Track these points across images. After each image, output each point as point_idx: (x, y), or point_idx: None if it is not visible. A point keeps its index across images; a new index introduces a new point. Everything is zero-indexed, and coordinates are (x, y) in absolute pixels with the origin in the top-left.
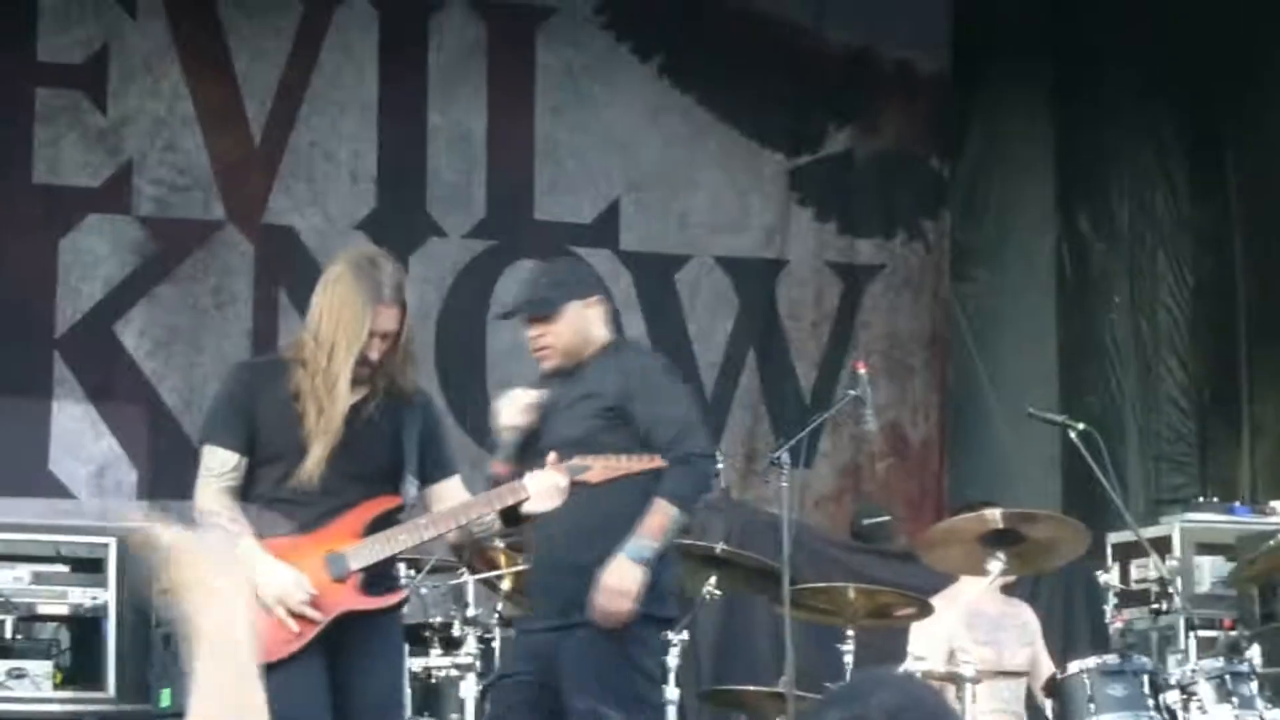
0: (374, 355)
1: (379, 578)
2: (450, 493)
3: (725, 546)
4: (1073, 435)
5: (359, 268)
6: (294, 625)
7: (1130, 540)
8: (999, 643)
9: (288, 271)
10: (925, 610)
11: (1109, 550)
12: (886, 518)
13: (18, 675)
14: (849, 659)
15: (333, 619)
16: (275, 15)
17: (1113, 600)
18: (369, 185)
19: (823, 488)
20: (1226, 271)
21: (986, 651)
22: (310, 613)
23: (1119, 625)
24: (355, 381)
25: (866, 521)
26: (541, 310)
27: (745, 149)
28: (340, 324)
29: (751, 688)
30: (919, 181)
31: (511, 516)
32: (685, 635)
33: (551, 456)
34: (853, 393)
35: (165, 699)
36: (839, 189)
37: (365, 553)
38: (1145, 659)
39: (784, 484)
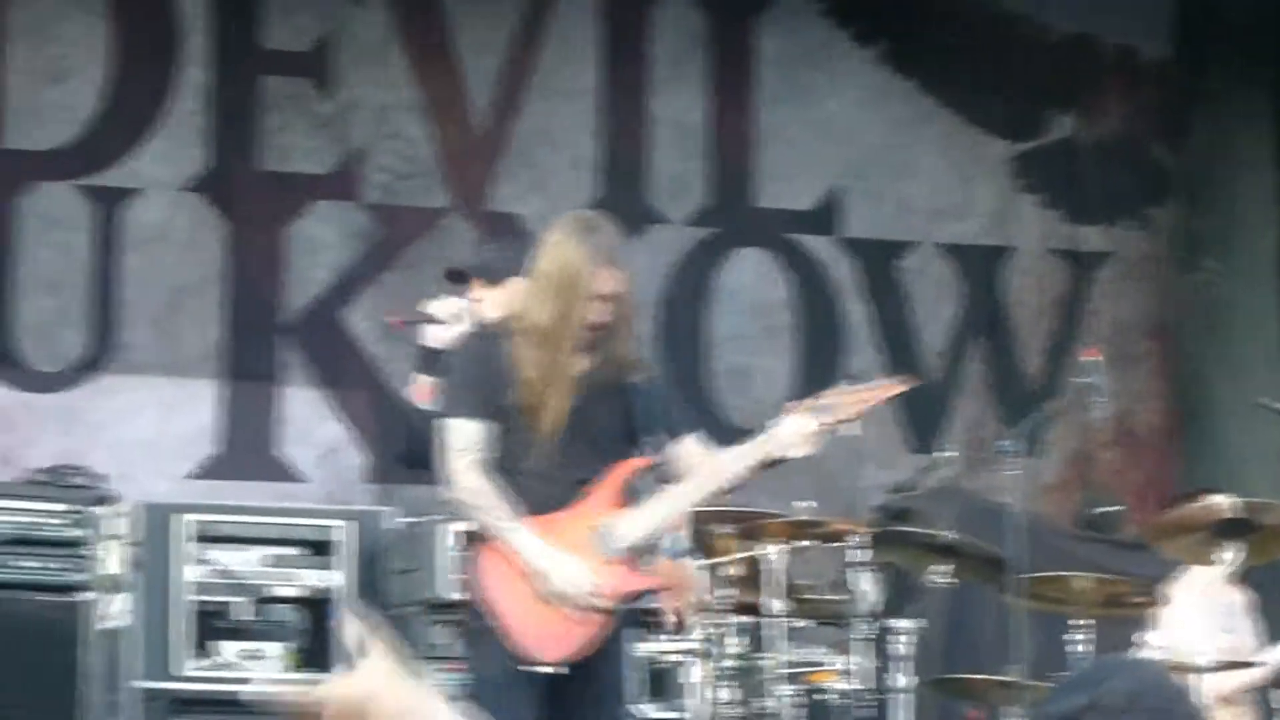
0: (597, 318)
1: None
2: (690, 451)
3: (954, 535)
4: None
5: (578, 231)
6: (577, 622)
7: None
8: (1236, 631)
9: None
10: (1156, 599)
11: None
12: (1116, 507)
13: (253, 656)
14: (1078, 648)
15: (618, 604)
16: (498, 3)
17: None
18: (590, 172)
19: (1050, 476)
20: None
21: (1223, 641)
22: (598, 604)
23: None
24: (581, 348)
25: (1096, 511)
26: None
27: (967, 135)
28: (562, 287)
29: (980, 676)
30: (1143, 169)
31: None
32: (915, 624)
33: (790, 404)
34: (1086, 380)
35: None
36: (1062, 176)
37: (633, 528)
38: None
39: (1013, 472)
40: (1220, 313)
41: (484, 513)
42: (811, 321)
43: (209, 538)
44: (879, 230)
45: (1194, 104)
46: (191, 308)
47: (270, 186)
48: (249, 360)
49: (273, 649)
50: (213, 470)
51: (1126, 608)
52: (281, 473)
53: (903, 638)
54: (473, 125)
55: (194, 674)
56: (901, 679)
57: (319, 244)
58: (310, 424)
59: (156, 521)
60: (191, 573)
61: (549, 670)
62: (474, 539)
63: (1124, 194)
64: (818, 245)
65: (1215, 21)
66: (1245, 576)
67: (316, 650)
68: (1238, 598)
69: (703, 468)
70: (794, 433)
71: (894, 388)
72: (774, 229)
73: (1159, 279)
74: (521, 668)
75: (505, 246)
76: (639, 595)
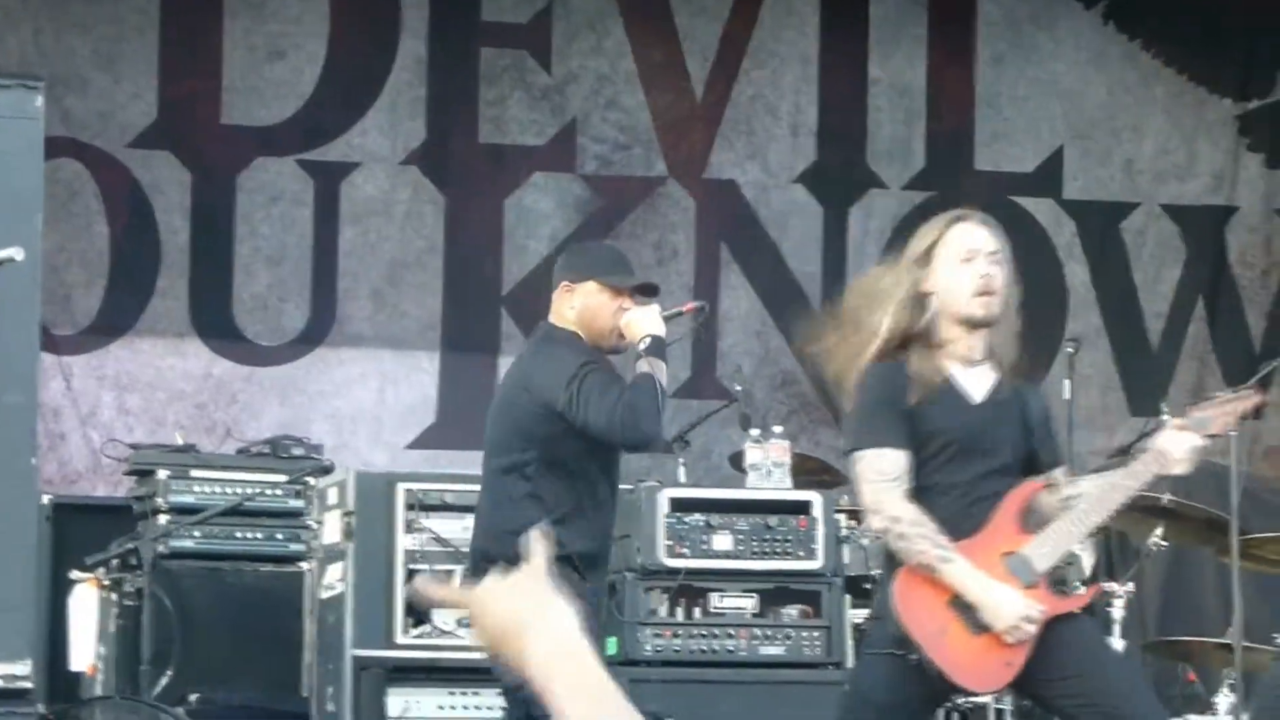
0: (978, 313)
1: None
2: (1059, 481)
3: (1172, 497)
4: None
5: (947, 224)
6: (1008, 651)
7: None
8: None
9: (729, 226)
10: None
11: None
12: None
13: (468, 624)
14: None
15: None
16: None
17: None
18: (809, 138)
19: (1272, 438)
20: None
21: None
22: (1034, 632)
23: None
24: (970, 359)
25: None
26: None
27: (1192, 94)
28: (942, 287)
29: (1198, 639)
30: None
31: None
32: (1131, 586)
33: (1176, 421)
34: None
35: (611, 647)
36: None
37: (1046, 552)
38: None
39: (1233, 434)
40: None
41: (918, 542)
42: (1034, 285)
43: (426, 506)
44: (1101, 192)
45: None
46: (411, 280)
47: (488, 158)
48: (467, 332)
49: None
50: (432, 441)
51: None
52: None
53: (1118, 601)
54: (691, 93)
55: (412, 642)
56: (1117, 642)
57: (537, 215)
58: None
59: (374, 491)
60: (409, 541)
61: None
62: (892, 564)
63: None
64: (1039, 207)
65: None
66: None
67: None
68: None
69: (1096, 489)
70: (1181, 449)
71: (1251, 399)
72: (994, 191)
73: None
74: (947, 695)
75: None
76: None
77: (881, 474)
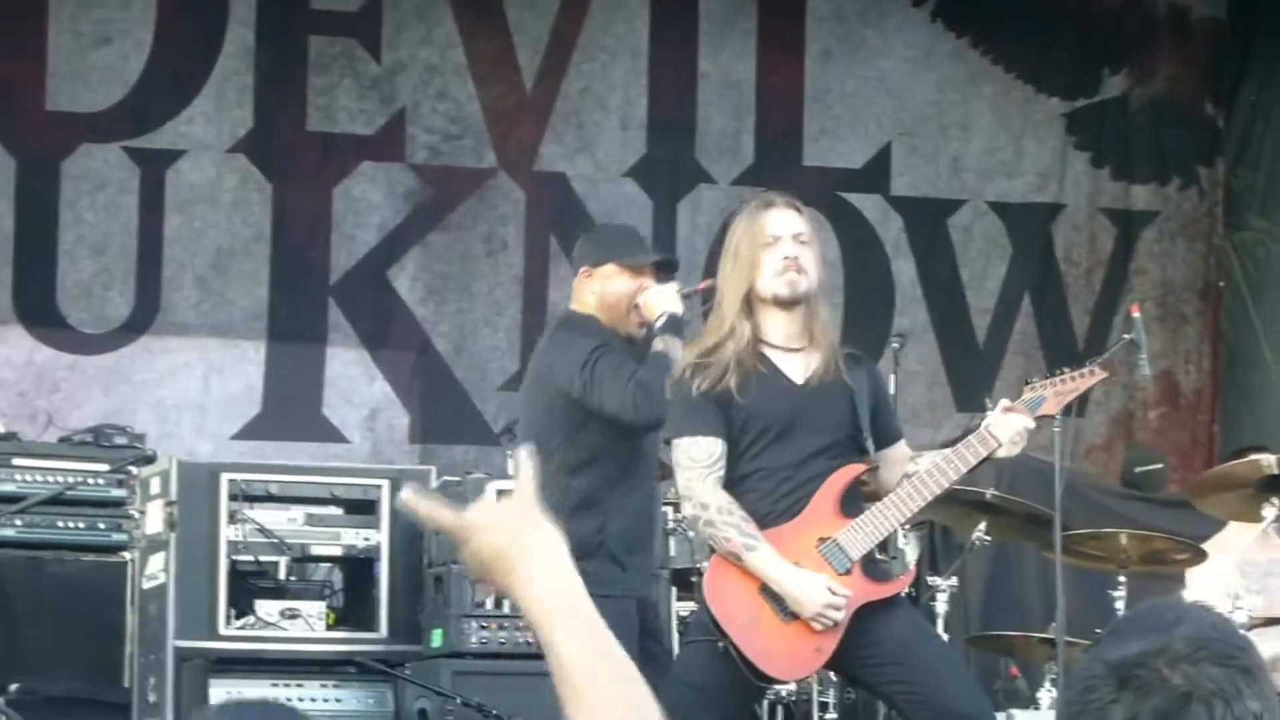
0: (784, 291)
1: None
2: (899, 456)
3: (996, 492)
4: None
5: (747, 210)
6: (817, 638)
7: None
8: (1269, 590)
9: (558, 218)
10: (1198, 557)
11: None
12: (1159, 465)
13: (292, 615)
14: (1120, 605)
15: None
16: None
17: None
18: (639, 132)
19: (1094, 436)
20: None
21: (1256, 599)
22: (839, 618)
23: None
24: (789, 345)
25: (1138, 469)
26: None
27: (1020, 93)
28: (734, 269)
29: (1020, 634)
30: (1193, 128)
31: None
32: (954, 581)
33: (1004, 402)
34: (1128, 337)
35: (436, 639)
36: (1114, 134)
37: (861, 538)
38: None
39: (1056, 429)
40: (1268, 272)
41: (724, 529)
42: (861, 280)
43: (250, 497)
44: (929, 188)
45: (1245, 63)
46: (237, 269)
47: (317, 147)
48: (294, 321)
49: (312, 608)
50: (257, 431)
51: (1167, 565)
52: (326, 433)
53: (941, 595)
54: (521, 85)
55: (234, 633)
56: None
57: (365, 205)
58: (355, 385)
59: (197, 481)
60: (232, 532)
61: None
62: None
63: (1174, 153)
64: (867, 204)
65: None
66: None
67: (356, 610)
68: (1277, 556)
69: (919, 472)
70: (1013, 432)
71: (1094, 377)
72: (822, 187)
73: (1207, 238)
74: (759, 684)
75: None
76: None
77: (694, 461)
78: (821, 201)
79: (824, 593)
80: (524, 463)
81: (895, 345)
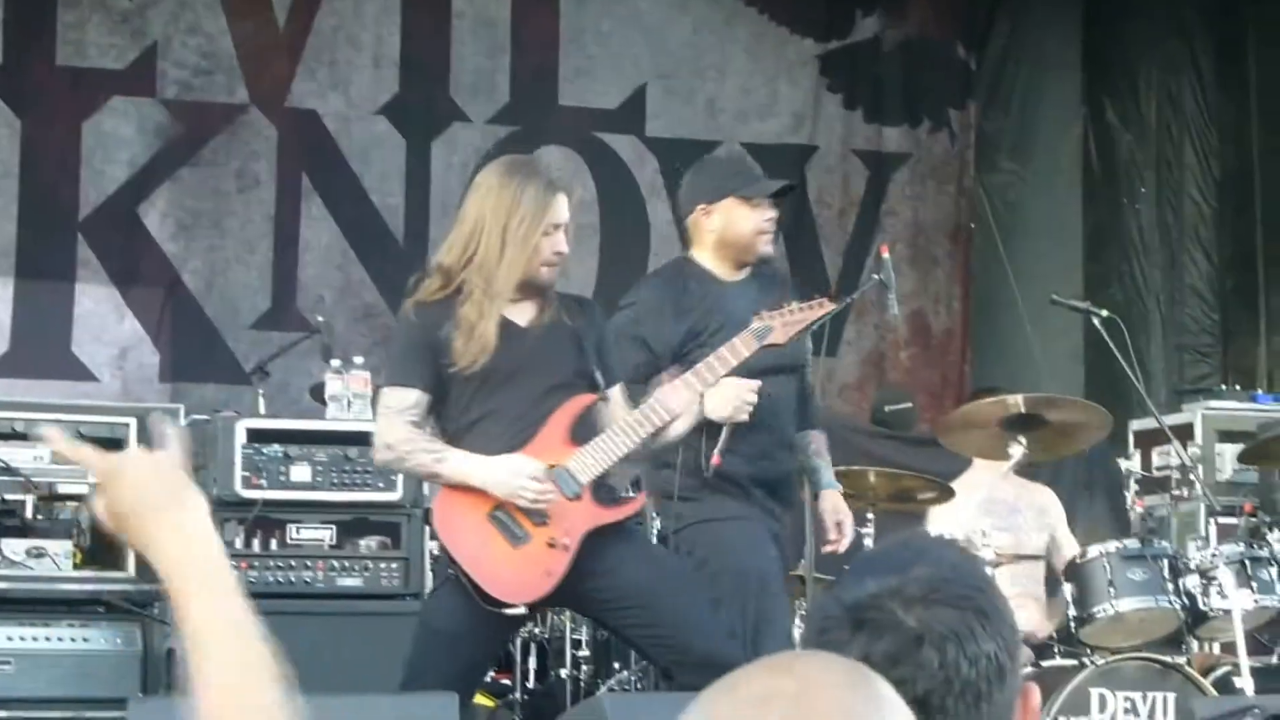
0: (546, 280)
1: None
2: (617, 399)
3: None
4: (1096, 323)
5: (537, 184)
6: (548, 560)
7: (1152, 428)
8: (1015, 527)
9: (310, 155)
10: (945, 494)
11: (1130, 438)
12: (908, 404)
13: (37, 554)
14: (869, 542)
15: (580, 541)
16: None
17: (1134, 486)
18: (392, 70)
19: (846, 376)
20: (1247, 164)
21: (1003, 536)
22: (550, 498)
23: (1140, 510)
24: (532, 288)
25: (889, 408)
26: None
27: (774, 35)
28: (514, 252)
29: None
30: (945, 70)
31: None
32: None
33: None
34: (877, 276)
35: None
36: (866, 76)
37: (590, 463)
38: (1165, 544)
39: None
40: (1019, 214)
41: (413, 455)
42: (617, 221)
43: None
44: (684, 129)
45: (996, 6)
46: None
47: (66, 82)
48: (44, 258)
49: (59, 547)
50: (5, 368)
51: (915, 503)
52: (75, 371)
53: None
54: (273, 22)
55: None
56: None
57: (116, 140)
58: (105, 322)
59: None
60: None
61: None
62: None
63: (926, 95)
64: (622, 144)
65: None
66: (1048, 474)
67: (103, 549)
68: (1023, 493)
69: (650, 400)
70: (725, 398)
71: (822, 308)
72: (578, 127)
73: (958, 180)
74: (490, 610)
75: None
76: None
77: (388, 408)
78: (577, 142)
79: (516, 467)
80: (174, 434)
81: None
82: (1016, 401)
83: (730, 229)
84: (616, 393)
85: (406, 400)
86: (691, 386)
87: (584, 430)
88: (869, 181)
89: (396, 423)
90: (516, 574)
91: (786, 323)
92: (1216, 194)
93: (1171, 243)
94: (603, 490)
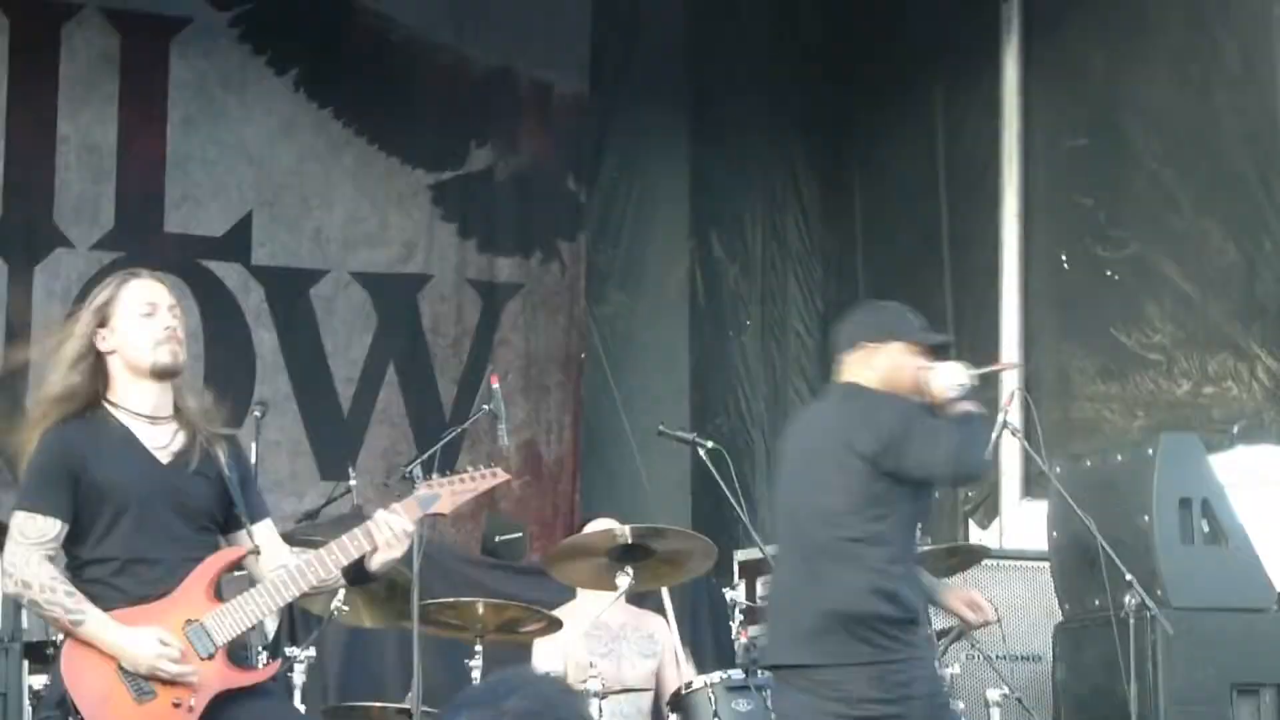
0: (165, 360)
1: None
2: (265, 536)
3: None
4: (702, 453)
5: (121, 281)
6: (179, 697)
7: (756, 557)
8: (618, 654)
9: None
10: (553, 625)
11: (735, 568)
12: (518, 534)
13: None
14: (476, 674)
15: (210, 700)
16: None
17: (739, 616)
18: None
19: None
20: (850, 295)
21: (605, 664)
22: (186, 673)
23: (744, 641)
24: (157, 414)
25: (499, 538)
26: None
27: (384, 164)
28: (123, 342)
29: (378, 704)
30: (556, 202)
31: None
32: (312, 652)
33: (395, 505)
34: (486, 407)
35: None
36: (480, 206)
37: (228, 623)
38: (768, 675)
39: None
40: (628, 344)
41: (51, 606)
42: (222, 349)
43: None
44: (290, 258)
45: (608, 139)
46: None
47: None
48: None
49: None
50: None
51: (522, 633)
52: None
53: (299, 666)
54: None
55: None
56: (300, 707)
57: None
58: None
59: None
60: None
61: None
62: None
63: (538, 226)
64: (228, 272)
65: (630, 60)
66: (661, 601)
67: None
68: (629, 621)
69: (298, 563)
70: (396, 532)
71: (495, 478)
72: (183, 254)
73: (570, 310)
74: None
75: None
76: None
77: (25, 537)
78: (182, 269)
79: (155, 645)
80: None
81: (257, 414)
82: (624, 532)
83: (895, 368)
84: (267, 533)
85: (43, 531)
86: (360, 548)
87: (225, 583)
88: (482, 311)
89: (33, 558)
90: None
91: (455, 491)
92: (819, 326)
93: (776, 374)
94: (237, 650)
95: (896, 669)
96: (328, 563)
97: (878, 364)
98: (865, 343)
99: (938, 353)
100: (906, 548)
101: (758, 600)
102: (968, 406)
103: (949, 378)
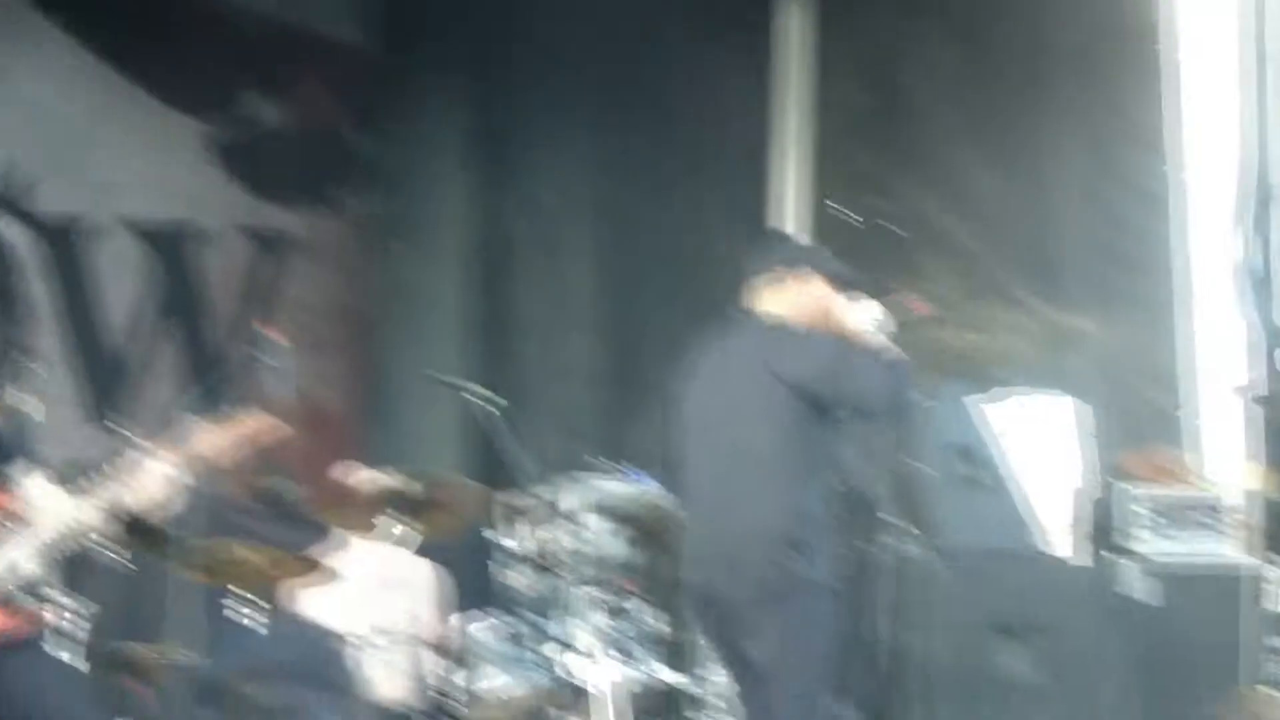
0: None
1: None
2: (40, 487)
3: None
4: (477, 401)
5: None
6: None
7: (522, 502)
8: (388, 603)
9: None
10: (324, 573)
11: (504, 512)
12: (290, 481)
13: None
14: (243, 620)
15: None
16: None
17: (505, 559)
18: None
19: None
20: (633, 249)
21: (375, 611)
22: None
23: (510, 583)
24: None
25: (270, 484)
26: None
27: (160, 114)
28: None
29: (142, 650)
30: (336, 154)
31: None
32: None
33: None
34: (266, 359)
35: None
36: (257, 158)
37: None
38: (534, 615)
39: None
40: (406, 296)
41: None
42: None
43: None
44: (65, 207)
45: (390, 92)
46: None
47: None
48: None
49: None
50: None
51: (294, 581)
52: None
53: (67, 615)
54: None
55: None
56: (66, 658)
57: None
58: None
59: None
60: None
61: None
62: None
63: (317, 178)
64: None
65: (416, 12)
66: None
67: None
68: (397, 569)
69: (56, 509)
70: (166, 476)
71: (269, 425)
72: None
73: (348, 262)
74: None
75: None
76: None
77: None
78: None
79: None
80: None
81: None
82: (394, 480)
83: (811, 298)
84: (34, 481)
85: None
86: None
87: None
88: (259, 262)
89: None
90: None
91: (226, 436)
92: (606, 279)
93: (554, 325)
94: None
95: None
96: (84, 515)
97: (794, 296)
98: (781, 270)
99: (848, 288)
100: (827, 476)
101: (527, 545)
102: (884, 342)
103: (866, 313)
